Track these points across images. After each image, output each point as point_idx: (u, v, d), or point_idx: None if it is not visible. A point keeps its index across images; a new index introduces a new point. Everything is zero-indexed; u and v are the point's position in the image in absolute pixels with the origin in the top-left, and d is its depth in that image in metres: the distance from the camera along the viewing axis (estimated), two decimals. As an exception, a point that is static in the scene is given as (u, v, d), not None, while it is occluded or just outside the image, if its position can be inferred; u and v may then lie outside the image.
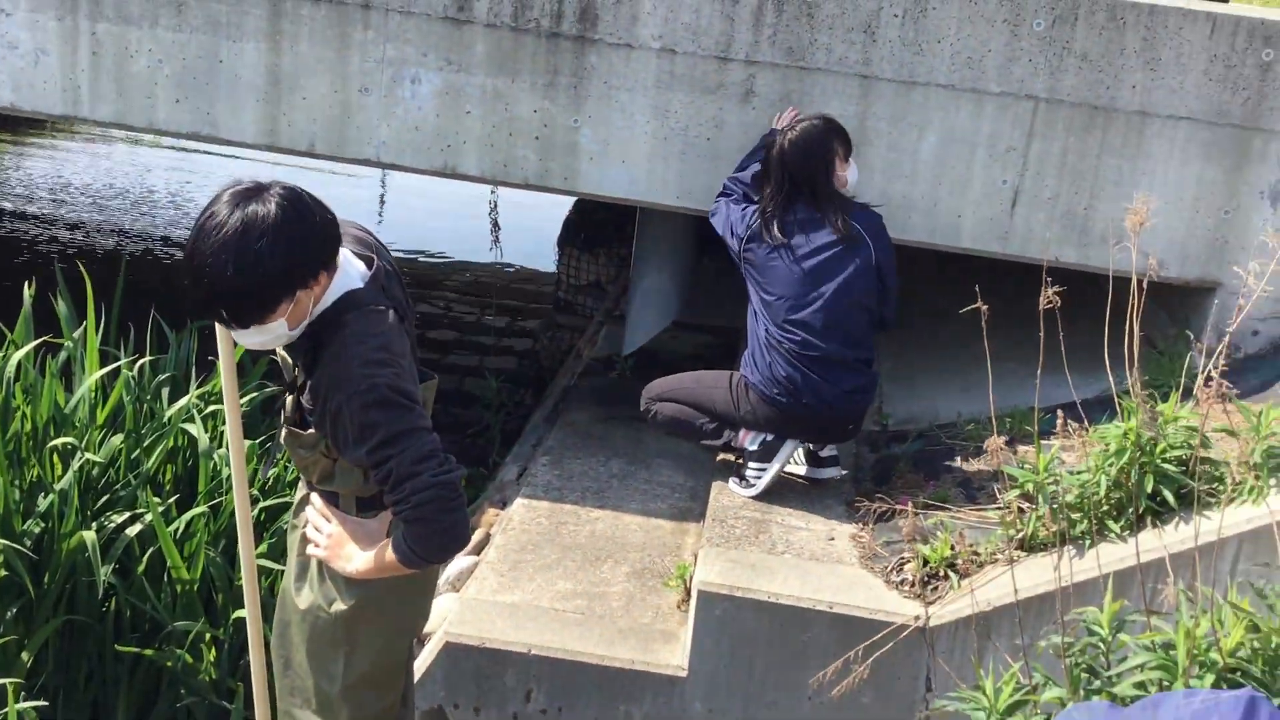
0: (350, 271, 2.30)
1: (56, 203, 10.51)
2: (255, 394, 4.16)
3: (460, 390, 6.85)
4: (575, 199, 7.03)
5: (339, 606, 2.46)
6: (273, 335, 2.22)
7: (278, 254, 2.08)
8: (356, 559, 2.39)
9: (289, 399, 2.42)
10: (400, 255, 10.24)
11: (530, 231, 10.05)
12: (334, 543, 2.41)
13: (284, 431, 2.46)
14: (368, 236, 2.46)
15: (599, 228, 6.53)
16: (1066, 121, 3.78)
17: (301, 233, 2.12)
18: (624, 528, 3.88)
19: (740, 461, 3.77)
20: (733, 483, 3.77)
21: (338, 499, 2.44)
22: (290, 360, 2.41)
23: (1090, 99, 3.76)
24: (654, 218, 4.83)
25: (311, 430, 2.33)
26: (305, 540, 2.50)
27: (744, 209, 3.64)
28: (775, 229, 3.53)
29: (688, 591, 3.46)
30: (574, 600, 3.48)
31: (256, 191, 2.11)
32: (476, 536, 3.95)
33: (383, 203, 12.12)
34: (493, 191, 8.79)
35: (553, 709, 3.27)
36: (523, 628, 3.32)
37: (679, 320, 5.48)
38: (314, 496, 2.49)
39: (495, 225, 8.91)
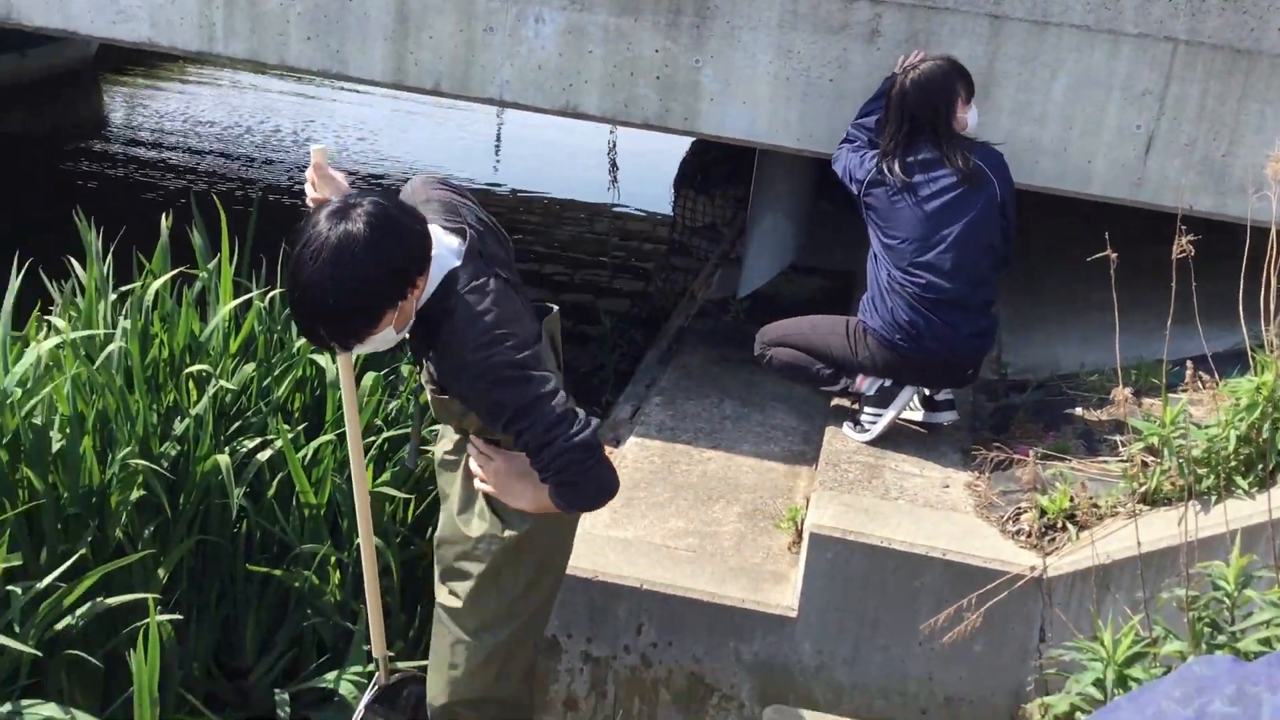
0: (445, 252, 2.32)
1: (188, 139, 10.83)
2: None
3: (574, 331, 6.92)
4: (693, 140, 7.01)
5: (510, 532, 2.55)
6: (382, 341, 2.28)
7: (373, 274, 2.13)
8: (524, 495, 2.46)
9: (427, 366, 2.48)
10: (516, 196, 10.34)
11: (647, 173, 10.05)
12: (500, 480, 2.49)
13: (430, 395, 2.53)
14: (453, 196, 2.48)
15: (716, 170, 6.50)
16: (1207, 65, 3.64)
17: (394, 247, 2.16)
18: (736, 469, 3.90)
19: (856, 406, 3.75)
20: (847, 427, 3.76)
21: (499, 441, 2.52)
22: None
23: (1233, 41, 3.61)
24: (773, 160, 4.80)
25: (453, 399, 2.41)
26: (469, 474, 2.59)
27: (864, 154, 3.60)
28: (897, 170, 3.48)
29: (799, 534, 3.48)
30: (685, 538, 3.52)
31: (346, 211, 2.15)
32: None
33: (499, 141, 12.23)
34: (611, 131, 8.78)
35: (662, 642, 3.33)
36: (635, 563, 3.38)
37: (795, 264, 5.45)
38: (474, 436, 2.56)
39: (614, 166, 8.91)
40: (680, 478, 3.84)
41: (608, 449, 4.17)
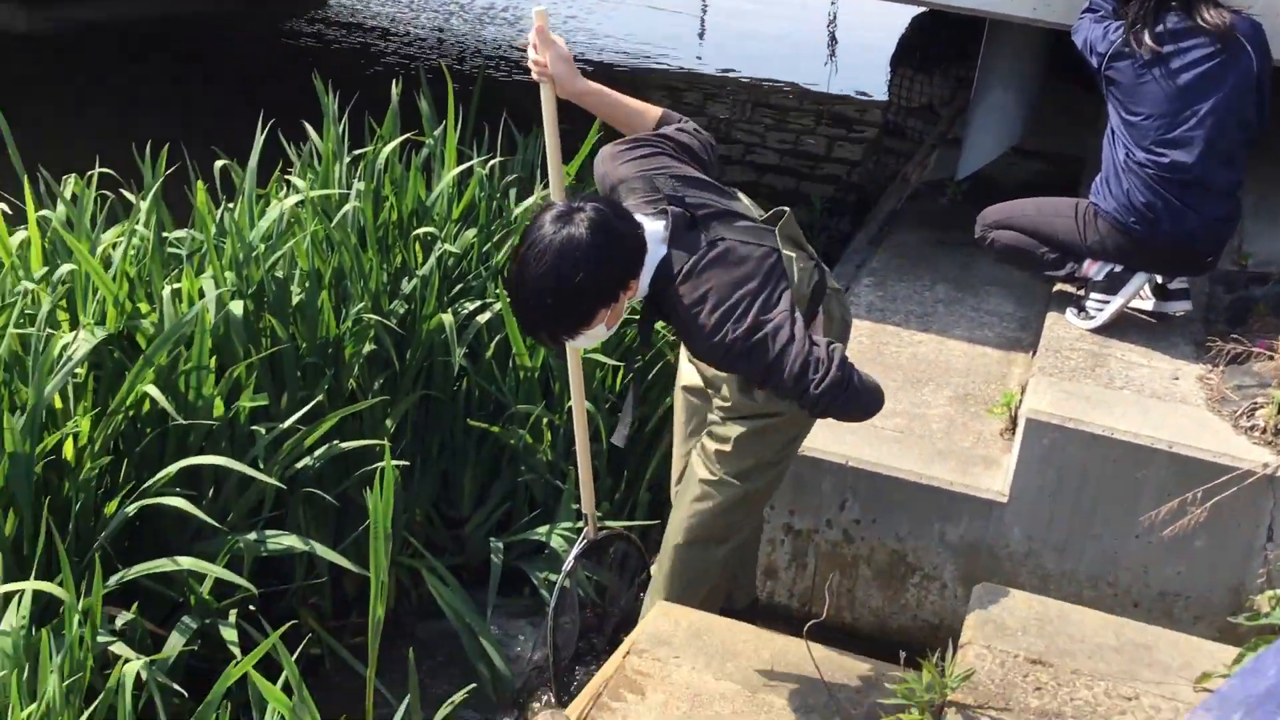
0: (653, 241, 2.37)
1: (415, 12, 11.08)
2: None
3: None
4: (914, 15, 6.76)
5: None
6: (595, 336, 2.40)
7: (592, 273, 2.24)
8: None
9: None
10: (723, 75, 10.21)
11: (861, 55, 9.75)
12: None
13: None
14: (643, 165, 2.50)
15: (937, 46, 6.27)
16: None
17: (613, 252, 2.27)
18: (948, 353, 3.83)
19: (1081, 293, 3.61)
20: (1070, 314, 3.63)
21: None
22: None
23: None
24: (1004, 32, 4.58)
25: None
26: None
27: (1108, 25, 3.39)
28: (1146, 40, 3.27)
29: (1013, 420, 3.41)
30: (893, 419, 3.49)
31: (569, 216, 2.26)
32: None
33: (704, 17, 12.05)
34: (832, 2, 8.49)
35: (866, 520, 3.34)
36: (841, 440, 3.37)
37: (1018, 146, 5.23)
38: None
39: (832, 39, 8.63)
40: (889, 359, 3.80)
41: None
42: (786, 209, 2.57)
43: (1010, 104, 4.90)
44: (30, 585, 2.34)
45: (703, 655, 2.61)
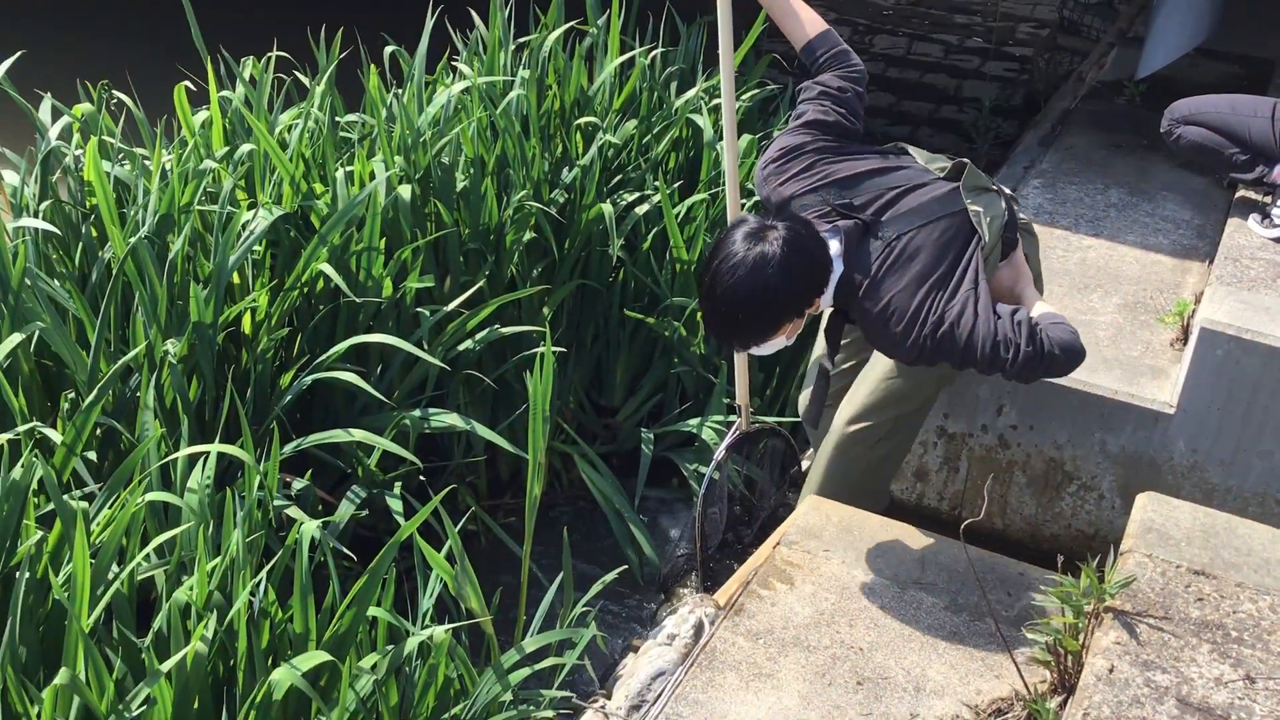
0: (834, 260, 2.41)
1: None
2: (755, 91, 4.28)
3: (940, 116, 6.65)
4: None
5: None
6: (778, 345, 2.46)
7: (783, 290, 2.31)
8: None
9: None
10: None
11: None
12: None
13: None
14: (803, 178, 2.51)
15: (1121, -61, 5.93)
16: None
17: (804, 268, 2.33)
18: (1118, 259, 3.70)
19: (1267, 200, 3.44)
20: (1253, 220, 3.46)
21: None
22: None
23: None
24: (1198, -78, 4.32)
25: None
26: None
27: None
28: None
29: (1184, 330, 3.29)
30: (1057, 325, 3.40)
31: (763, 232, 2.32)
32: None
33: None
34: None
35: (1024, 426, 3.28)
36: (1002, 344, 3.30)
37: (1204, 46, 4.94)
38: None
39: None
40: (1056, 263, 3.68)
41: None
42: (966, 161, 2.57)
43: (1197, 1, 4.62)
44: (215, 448, 2.48)
45: (853, 550, 2.63)
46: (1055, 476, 3.30)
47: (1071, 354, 2.42)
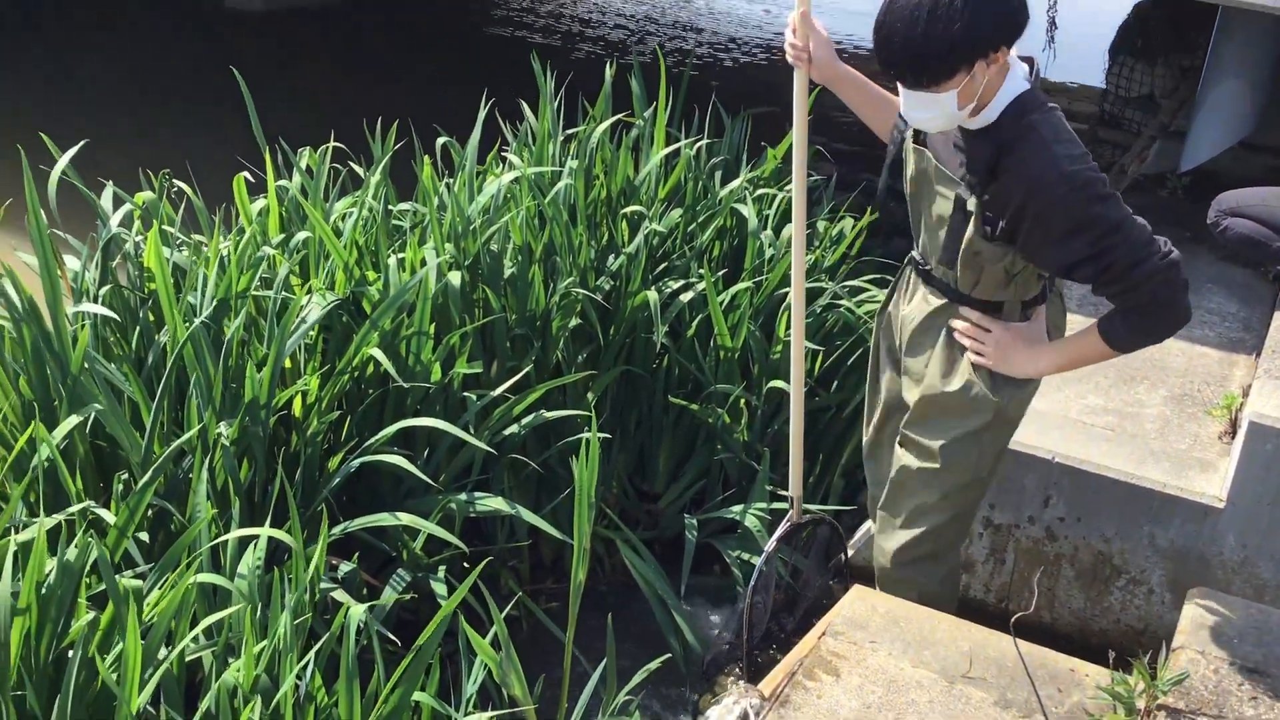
0: (1016, 72, 2.29)
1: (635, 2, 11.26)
2: (816, 178, 4.35)
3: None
4: (1135, 3, 6.49)
5: (998, 398, 2.54)
6: (941, 111, 2.24)
7: (967, 17, 2.10)
8: (1028, 363, 2.49)
9: (955, 215, 2.42)
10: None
11: (1078, 41, 9.40)
12: (999, 349, 2.50)
13: (964, 247, 2.42)
14: None
15: (1161, 33, 6.00)
16: None
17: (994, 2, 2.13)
18: (1164, 351, 3.69)
19: (1314, 293, 3.43)
20: (1301, 315, 3.45)
21: (1001, 306, 2.51)
22: (955, 175, 2.40)
23: None
24: (1240, 18, 4.36)
25: (997, 242, 2.36)
26: (950, 344, 2.58)
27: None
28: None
29: (1233, 424, 3.26)
30: (1103, 416, 3.39)
31: None
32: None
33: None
34: (1054, -14, 8.16)
35: (1071, 518, 3.25)
36: (1047, 435, 3.29)
37: (1246, 140, 4.97)
38: (962, 309, 2.56)
39: (1052, 25, 8.28)
40: (1101, 355, 3.68)
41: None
42: None
43: (1241, 94, 4.66)
44: (265, 531, 2.50)
45: (900, 642, 2.60)
46: (1103, 570, 3.26)
47: (1188, 307, 2.32)
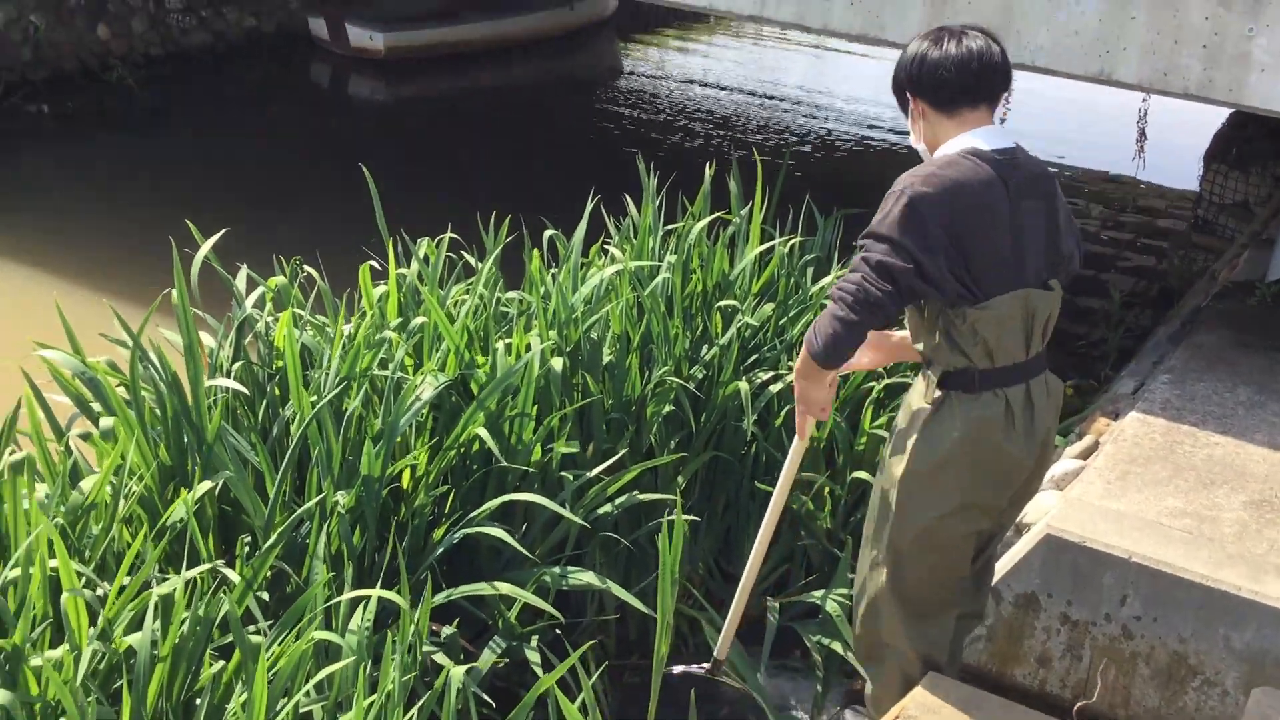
0: (960, 142, 2.62)
1: (714, 91, 11.62)
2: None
3: (1076, 305, 6.77)
4: (1231, 113, 6.58)
5: (891, 475, 2.75)
6: (916, 140, 2.75)
7: (907, 53, 2.66)
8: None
9: None
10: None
11: (1172, 145, 9.48)
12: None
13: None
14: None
15: (1255, 145, 6.09)
16: None
17: (940, 56, 2.61)
18: (1245, 457, 3.75)
19: (1395, 405, 3.48)
20: (1382, 426, 3.50)
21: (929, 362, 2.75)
22: None
23: None
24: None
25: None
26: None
27: None
28: None
29: (1312, 530, 3.31)
30: (1181, 519, 3.46)
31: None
32: (1085, 443, 4.02)
33: (1007, 105, 11.99)
34: (1144, 100, 8.33)
35: (1147, 617, 3.31)
36: (1125, 535, 3.37)
37: (1338, 250, 5.03)
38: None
39: (1142, 135, 8.44)
40: (1182, 458, 3.75)
41: (1105, 420, 4.16)
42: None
43: (1331, 205, 4.74)
44: (377, 593, 2.71)
45: (970, 728, 2.70)
46: (1179, 670, 3.30)
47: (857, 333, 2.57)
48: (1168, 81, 3.90)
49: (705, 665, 3.29)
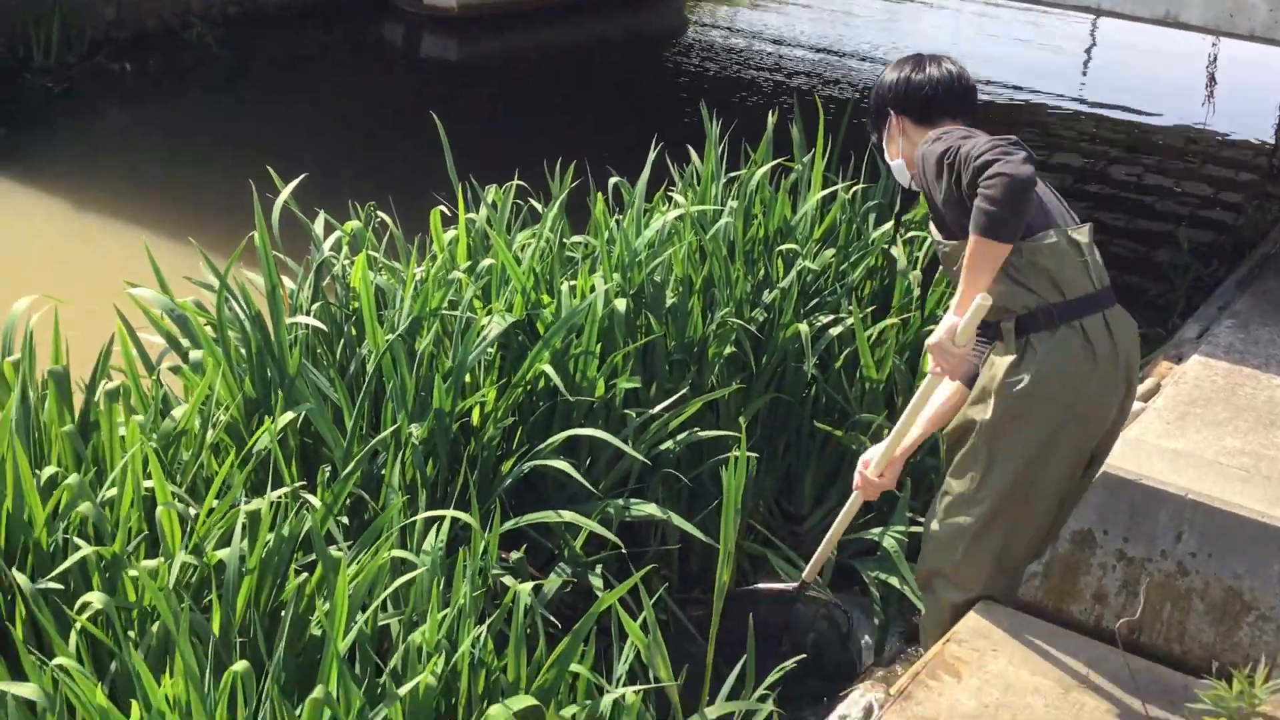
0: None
1: (783, 47, 11.61)
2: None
3: (1148, 259, 6.73)
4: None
5: (980, 424, 2.81)
6: (892, 156, 2.99)
7: (888, 80, 2.92)
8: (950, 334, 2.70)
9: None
10: (1097, 112, 10.00)
11: (1246, 93, 9.30)
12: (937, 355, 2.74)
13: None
14: None
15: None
16: None
17: (924, 78, 2.87)
18: (1307, 398, 3.75)
19: None
20: None
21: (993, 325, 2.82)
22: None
23: None
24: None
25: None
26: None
27: None
28: None
29: (1371, 469, 3.32)
30: (1239, 457, 3.48)
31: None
32: (1146, 385, 4.05)
33: (1089, 56, 11.80)
34: (1214, 44, 8.17)
35: (1202, 554, 3.35)
36: (1182, 473, 3.40)
37: None
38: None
39: (1211, 80, 8.29)
40: (1243, 400, 3.76)
41: (1166, 364, 4.19)
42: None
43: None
44: (450, 513, 2.85)
45: (1019, 652, 2.78)
46: (1233, 605, 3.34)
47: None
48: (1234, 23, 3.88)
49: (793, 585, 3.41)
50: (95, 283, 4.69)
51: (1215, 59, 8.26)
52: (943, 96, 2.87)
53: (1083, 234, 2.83)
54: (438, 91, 9.89)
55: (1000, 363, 2.81)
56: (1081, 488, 3.07)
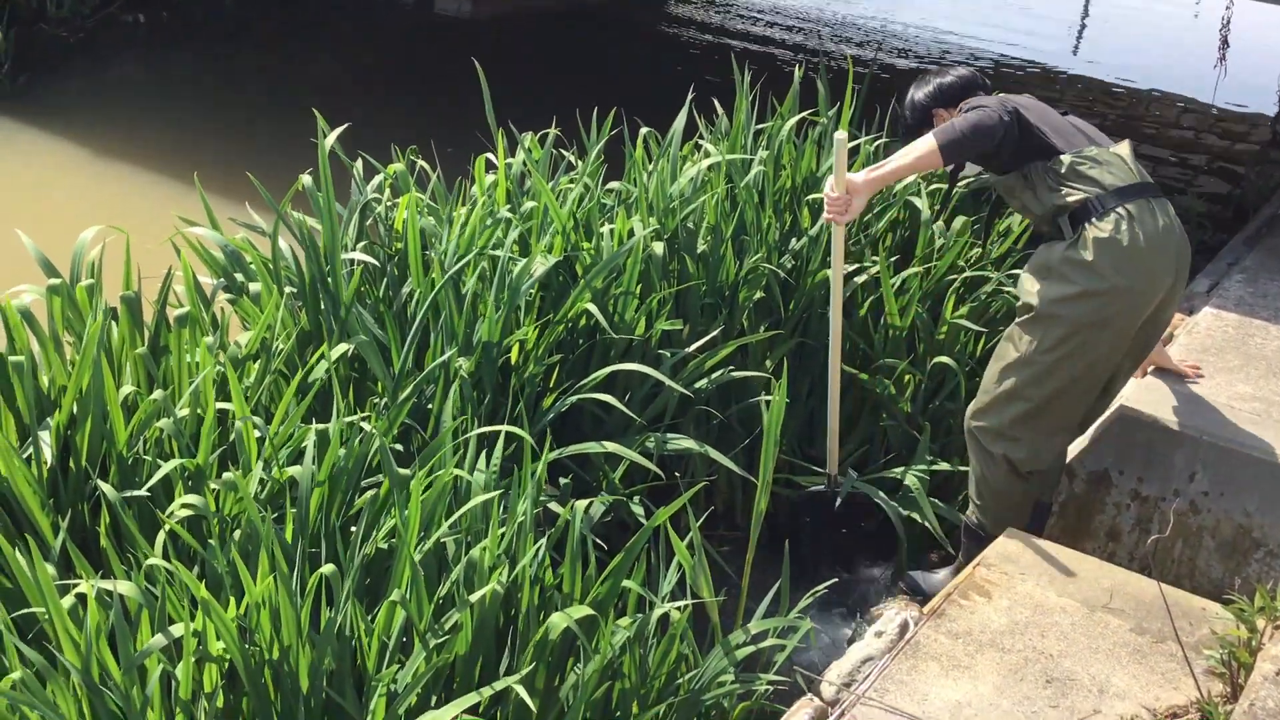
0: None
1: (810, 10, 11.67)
2: (972, 178, 4.66)
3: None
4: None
5: (1044, 289, 3.16)
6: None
7: (922, 93, 3.55)
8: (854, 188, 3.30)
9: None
10: (1096, 78, 10.09)
11: (1255, 65, 9.41)
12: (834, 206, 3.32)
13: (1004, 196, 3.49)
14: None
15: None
16: None
17: (954, 79, 3.53)
18: (1316, 348, 3.90)
19: None
20: None
21: (1056, 227, 3.25)
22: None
23: None
24: None
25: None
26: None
27: None
28: None
29: (1377, 413, 3.47)
30: (1250, 403, 3.63)
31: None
32: (1159, 336, 4.19)
33: (1084, 24, 11.88)
34: (1228, 6, 8.21)
35: (1214, 492, 3.51)
36: (1196, 415, 3.56)
37: None
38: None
39: (1224, 43, 8.35)
40: (1253, 349, 3.91)
41: (1180, 316, 4.32)
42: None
43: None
44: (504, 429, 2.97)
45: (1046, 575, 2.93)
46: (1243, 543, 3.50)
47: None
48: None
49: (822, 486, 3.75)
50: (143, 222, 4.78)
51: (1229, 21, 8.30)
52: (967, 83, 3.55)
53: (1123, 148, 3.29)
54: (455, 49, 9.96)
55: (1059, 244, 3.17)
56: (1127, 373, 3.39)
